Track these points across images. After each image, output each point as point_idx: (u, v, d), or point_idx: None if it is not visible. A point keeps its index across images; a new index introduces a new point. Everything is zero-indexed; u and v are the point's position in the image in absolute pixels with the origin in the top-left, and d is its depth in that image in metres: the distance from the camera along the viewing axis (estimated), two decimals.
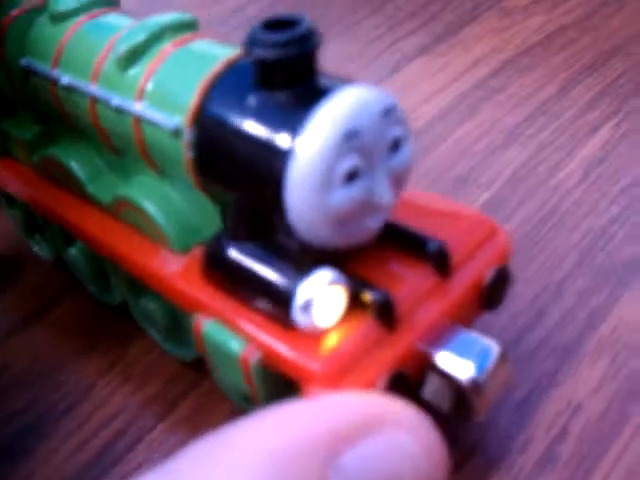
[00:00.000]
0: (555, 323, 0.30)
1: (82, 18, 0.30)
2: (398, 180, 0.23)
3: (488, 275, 0.25)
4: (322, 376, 0.22)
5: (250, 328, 0.23)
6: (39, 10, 0.31)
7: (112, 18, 0.30)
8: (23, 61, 0.30)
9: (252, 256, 0.24)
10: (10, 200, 0.35)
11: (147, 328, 0.30)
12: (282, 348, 0.23)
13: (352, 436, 0.13)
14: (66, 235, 0.32)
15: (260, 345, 0.23)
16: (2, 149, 0.34)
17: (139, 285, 0.29)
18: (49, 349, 0.31)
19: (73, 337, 0.32)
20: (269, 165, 0.22)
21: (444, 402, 0.23)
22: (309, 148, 0.21)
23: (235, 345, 0.23)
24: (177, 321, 0.29)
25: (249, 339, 0.23)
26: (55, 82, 0.29)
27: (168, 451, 0.27)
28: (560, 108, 0.43)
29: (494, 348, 0.23)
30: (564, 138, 0.40)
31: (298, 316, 0.22)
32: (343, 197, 0.21)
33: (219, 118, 0.24)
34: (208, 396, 0.28)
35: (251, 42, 0.22)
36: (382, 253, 0.25)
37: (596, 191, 0.36)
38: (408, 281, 0.24)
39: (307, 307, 0.22)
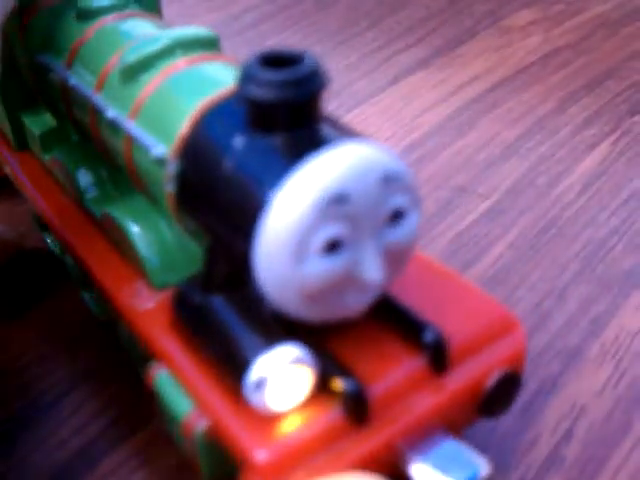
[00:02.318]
0: (558, 328, 0.28)
1: (107, 18, 0.26)
2: (397, 255, 0.18)
3: (492, 378, 0.20)
4: (265, 467, 0.17)
5: (202, 390, 0.19)
6: (70, 4, 0.27)
7: (134, 23, 0.26)
8: (39, 57, 0.27)
9: (218, 312, 0.19)
10: None
11: (127, 349, 0.26)
12: (230, 423, 0.18)
13: None
14: None
15: (208, 412, 0.19)
16: (22, 142, 0.31)
17: None
18: (40, 338, 0.29)
19: (66, 328, 0.30)
20: (243, 215, 0.18)
21: None
22: (287, 206, 0.17)
23: (182, 406, 0.19)
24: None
25: (198, 403, 0.19)
26: (65, 82, 0.26)
27: (163, 442, 0.25)
28: (558, 124, 0.40)
29: (483, 467, 0.18)
30: (563, 153, 0.37)
31: (250, 393, 0.18)
32: (320, 269, 0.17)
33: (205, 153, 0.19)
34: None
35: (245, 79, 0.18)
36: (371, 331, 0.20)
37: (595, 204, 0.34)
38: (395, 370, 0.19)
39: (261, 385, 0.18)
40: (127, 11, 0.26)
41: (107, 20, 0.26)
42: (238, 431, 0.18)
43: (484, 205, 0.34)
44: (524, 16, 0.52)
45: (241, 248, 0.18)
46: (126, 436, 0.25)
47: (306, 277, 0.17)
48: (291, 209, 0.16)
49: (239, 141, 0.18)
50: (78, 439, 0.25)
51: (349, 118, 0.41)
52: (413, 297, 0.20)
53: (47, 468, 0.24)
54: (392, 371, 0.19)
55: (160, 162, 0.20)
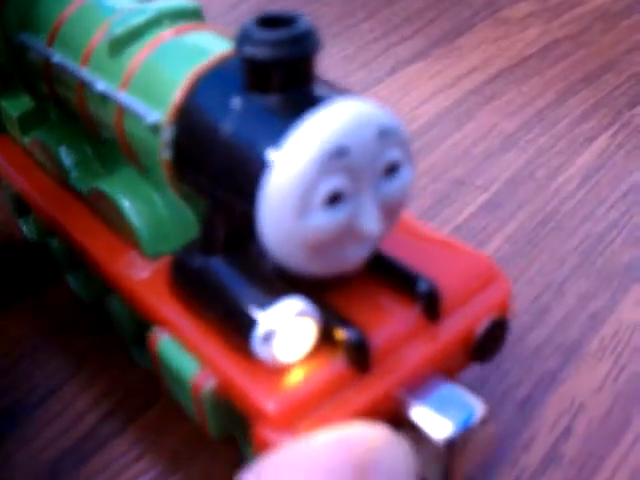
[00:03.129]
0: (557, 323, 0.28)
1: None
2: (391, 209, 0.19)
3: (482, 325, 0.21)
4: (276, 417, 0.18)
5: (208, 351, 0.20)
6: None
7: None
8: (20, 36, 0.27)
9: (219, 273, 0.20)
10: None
11: (117, 329, 0.27)
12: (239, 379, 0.19)
13: None
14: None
15: (217, 371, 0.20)
16: (0, 129, 0.31)
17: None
18: (29, 333, 0.29)
19: (54, 322, 0.30)
20: (244, 176, 0.18)
21: (418, 459, 0.19)
22: (288, 162, 0.17)
23: (189, 368, 0.20)
24: (143, 328, 0.24)
25: (206, 363, 0.20)
26: (47, 60, 0.26)
27: (156, 437, 0.25)
28: (557, 117, 0.40)
29: (478, 407, 0.20)
30: (562, 145, 0.38)
31: (258, 347, 0.19)
32: (322, 221, 0.18)
33: (200, 118, 0.20)
34: None
35: (242, 39, 0.19)
36: (367, 285, 0.21)
37: (594, 197, 0.34)
38: (392, 320, 0.20)
39: (268, 338, 0.18)
40: None
41: None
42: (247, 385, 0.19)
43: (482, 198, 0.33)
44: (522, 8, 0.52)
45: (243, 207, 0.19)
46: (131, 419, 0.26)
47: (310, 230, 0.18)
48: (293, 164, 0.17)
49: (236, 103, 0.19)
50: (77, 429, 0.26)
51: None
52: (400, 253, 0.21)
53: (44, 463, 0.25)
54: (389, 321, 0.20)
55: (154, 129, 0.21)
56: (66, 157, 0.27)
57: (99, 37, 0.24)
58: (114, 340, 0.27)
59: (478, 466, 0.23)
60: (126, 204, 0.24)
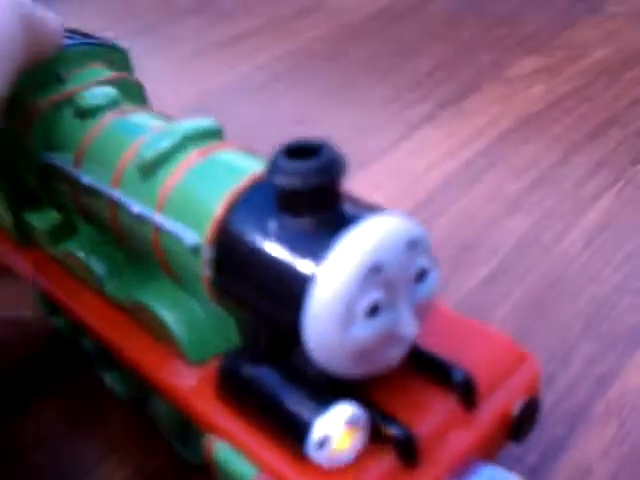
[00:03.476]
0: (564, 389, 0.29)
1: (109, 115, 0.28)
2: (422, 308, 0.21)
3: (517, 406, 0.23)
4: None
5: (264, 456, 0.21)
6: (67, 103, 0.29)
7: (138, 118, 0.28)
8: (45, 157, 0.29)
9: (268, 380, 0.22)
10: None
11: (159, 427, 0.28)
12: None
13: None
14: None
15: (275, 476, 0.21)
16: (25, 240, 0.33)
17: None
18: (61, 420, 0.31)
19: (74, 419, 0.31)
20: (289, 291, 0.20)
21: None
22: (331, 279, 0.19)
23: (246, 473, 0.22)
24: (186, 425, 0.27)
25: (262, 468, 0.21)
26: (76, 181, 0.28)
27: None
28: (561, 176, 0.43)
29: None
30: (567, 206, 0.40)
31: (313, 452, 0.20)
32: (365, 332, 0.20)
33: (240, 238, 0.22)
34: None
35: (273, 169, 0.20)
36: (405, 380, 0.23)
37: (599, 259, 0.36)
38: (432, 412, 0.22)
39: (323, 444, 0.20)
40: (122, 107, 0.29)
41: (110, 117, 0.28)
42: None
43: (490, 264, 0.35)
44: (527, 64, 0.54)
45: (287, 319, 0.21)
46: None
47: (353, 340, 0.20)
48: (336, 281, 0.19)
49: (272, 225, 0.21)
50: None
51: (360, 175, 0.43)
52: (430, 342, 0.24)
53: None
54: (430, 413, 0.22)
55: (195, 250, 0.23)
56: (99, 267, 0.29)
57: (128, 158, 0.26)
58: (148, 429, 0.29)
59: None
60: (166, 314, 0.25)
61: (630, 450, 0.27)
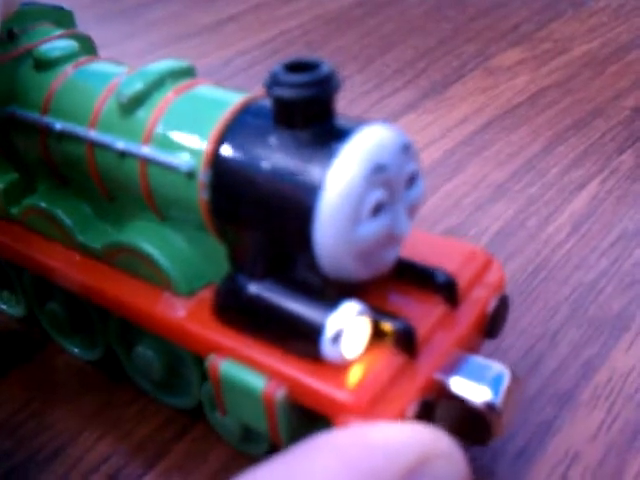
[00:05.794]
0: (551, 373, 0.32)
1: (71, 66, 0.30)
2: (411, 212, 0.25)
3: (492, 304, 0.27)
4: (354, 406, 0.23)
5: (274, 363, 0.24)
6: (21, 58, 0.31)
7: (103, 65, 0.31)
8: (5, 110, 0.31)
9: (275, 291, 0.25)
10: None
11: (138, 379, 0.31)
12: (310, 381, 0.24)
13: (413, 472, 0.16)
14: (41, 291, 0.33)
15: (286, 379, 0.24)
16: None
17: (131, 335, 0.30)
18: (34, 395, 0.32)
19: (59, 384, 0.33)
20: (297, 200, 0.23)
21: (459, 428, 0.24)
22: (340, 181, 0.22)
23: (257, 382, 0.24)
24: (173, 370, 0.30)
25: (273, 374, 0.24)
26: (45, 129, 0.30)
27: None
28: (546, 165, 0.46)
29: (506, 371, 0.25)
30: (552, 194, 0.44)
31: (327, 348, 0.23)
32: (370, 230, 0.23)
33: (239, 158, 0.24)
34: (201, 441, 0.29)
35: (272, 82, 0.23)
36: (394, 285, 0.27)
37: (585, 245, 0.40)
38: (421, 311, 0.26)
39: (337, 339, 0.23)
40: (82, 58, 0.31)
41: (72, 67, 0.30)
42: (320, 384, 0.23)
43: None
44: (511, 56, 0.55)
45: (294, 229, 0.23)
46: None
47: (361, 237, 0.23)
48: (344, 182, 0.22)
49: (273, 138, 0.24)
50: None
51: None
52: (413, 254, 0.26)
53: None
54: (420, 312, 0.25)
55: (189, 175, 0.25)
56: (68, 218, 0.31)
57: (103, 101, 0.29)
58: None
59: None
60: (153, 250, 0.28)
61: (618, 435, 0.29)
